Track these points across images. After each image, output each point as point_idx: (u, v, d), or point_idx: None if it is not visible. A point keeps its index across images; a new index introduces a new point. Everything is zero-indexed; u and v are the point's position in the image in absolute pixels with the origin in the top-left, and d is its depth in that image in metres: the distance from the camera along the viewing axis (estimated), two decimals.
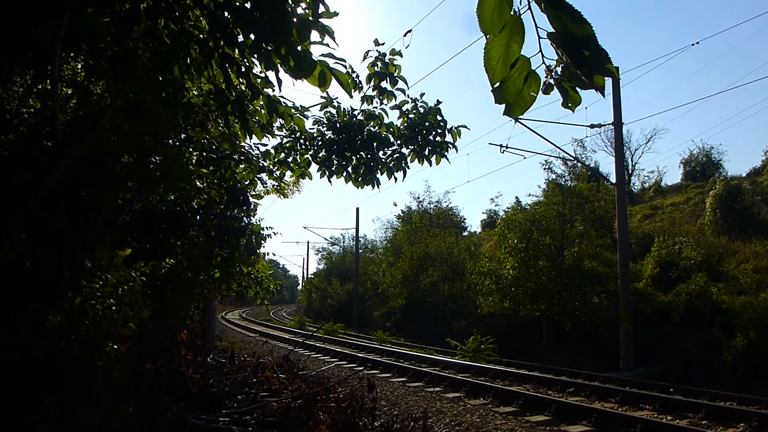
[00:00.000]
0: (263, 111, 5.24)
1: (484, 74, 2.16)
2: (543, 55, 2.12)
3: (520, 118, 18.01)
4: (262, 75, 4.38)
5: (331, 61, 3.88)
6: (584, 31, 1.94)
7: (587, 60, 2.02)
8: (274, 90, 4.47)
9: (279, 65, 3.70)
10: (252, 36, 3.63)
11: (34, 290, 3.75)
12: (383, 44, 5.73)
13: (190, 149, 6.61)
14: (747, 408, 9.45)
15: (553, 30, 1.98)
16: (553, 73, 2.20)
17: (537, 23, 2.01)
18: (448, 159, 6.60)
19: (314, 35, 3.62)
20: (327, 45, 3.72)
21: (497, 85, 2.14)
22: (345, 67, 3.93)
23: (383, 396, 10.41)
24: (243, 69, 4.09)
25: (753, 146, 78.87)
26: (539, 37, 2.04)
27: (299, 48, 3.62)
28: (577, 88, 2.24)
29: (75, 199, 5.59)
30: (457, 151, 6.60)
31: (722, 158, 38.34)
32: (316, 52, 3.79)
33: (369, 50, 5.78)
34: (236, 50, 3.85)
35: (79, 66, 6.23)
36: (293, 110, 5.13)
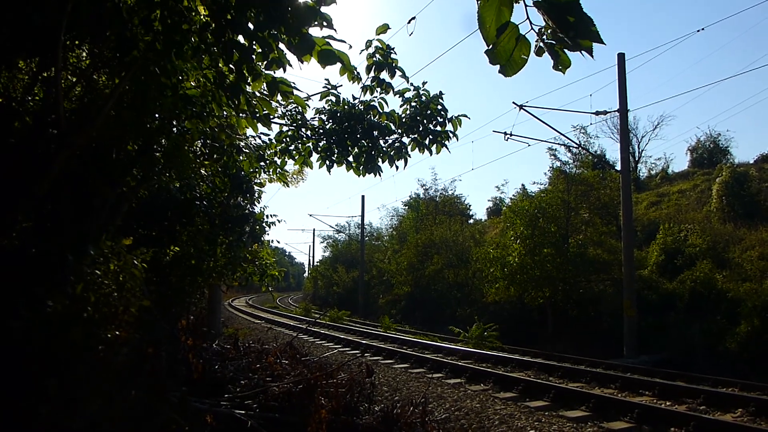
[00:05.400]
0: (267, 94, 5.27)
1: (488, 60, 2.27)
2: (531, 22, 2.23)
3: (525, 106, 18.03)
4: (269, 58, 4.39)
5: (332, 43, 3.93)
6: None
7: (572, 25, 2.13)
8: (275, 72, 4.50)
9: (281, 46, 3.77)
10: (256, 19, 3.67)
11: (38, 276, 3.84)
12: (388, 28, 5.67)
13: (194, 137, 6.68)
14: (747, 394, 9.51)
15: None
16: (544, 37, 2.30)
17: None
18: (448, 148, 6.65)
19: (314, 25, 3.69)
20: (329, 27, 3.77)
21: (490, 47, 2.25)
22: (345, 43, 3.99)
23: (385, 382, 10.53)
24: (244, 52, 4.12)
25: (761, 133, 78.03)
26: (526, 5, 2.16)
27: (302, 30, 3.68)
28: (566, 51, 2.34)
29: (80, 187, 5.67)
30: (458, 140, 6.66)
31: (730, 145, 38.13)
32: (317, 35, 3.86)
33: (370, 40, 5.81)
34: (239, 35, 3.89)
35: (84, 54, 6.29)
36: (294, 90, 5.14)
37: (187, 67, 4.82)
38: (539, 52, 2.36)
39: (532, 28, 2.23)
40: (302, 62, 3.83)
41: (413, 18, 8.63)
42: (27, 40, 4.72)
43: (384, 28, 5.51)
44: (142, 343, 4.67)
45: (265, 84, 4.48)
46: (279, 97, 4.74)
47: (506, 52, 2.27)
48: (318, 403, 5.88)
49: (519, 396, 9.47)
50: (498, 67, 2.34)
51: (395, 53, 5.80)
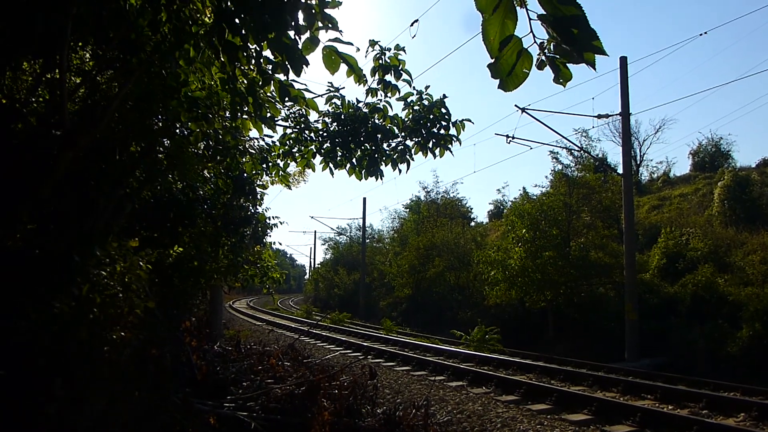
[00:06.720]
0: (274, 97, 5.29)
1: (490, 74, 2.29)
2: (534, 35, 2.23)
3: (527, 108, 18.05)
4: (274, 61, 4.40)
5: (339, 46, 3.94)
6: (572, 11, 2.08)
7: (576, 38, 2.14)
8: (286, 75, 4.51)
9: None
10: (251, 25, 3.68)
11: (43, 276, 3.85)
12: (378, 42, 5.77)
13: (198, 139, 6.67)
14: (749, 398, 9.49)
15: (543, 12, 2.11)
16: (545, 51, 2.31)
17: (527, 5, 2.14)
18: (451, 152, 6.66)
19: (319, 26, 3.71)
20: (335, 28, 3.77)
21: (492, 61, 2.26)
22: (353, 45, 4.00)
23: (387, 384, 10.53)
24: (253, 55, 4.13)
25: (763, 137, 78.20)
26: (530, 18, 2.16)
27: (300, 38, 3.70)
28: (568, 65, 2.35)
29: (83, 188, 5.68)
30: (461, 144, 6.66)
31: (731, 149, 38.24)
32: (324, 38, 3.87)
33: (374, 41, 5.82)
34: (241, 38, 3.90)
35: (88, 55, 6.30)
36: (305, 92, 5.15)
37: (190, 69, 4.83)
38: (540, 66, 2.38)
39: (535, 41, 2.24)
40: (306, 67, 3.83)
41: (416, 21, 8.66)
42: (30, 41, 4.73)
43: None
44: (146, 344, 4.67)
45: (273, 88, 4.48)
46: (288, 102, 4.73)
47: (508, 66, 2.28)
48: (320, 405, 5.88)
49: (521, 399, 9.47)
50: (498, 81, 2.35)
51: (405, 52, 5.81)
